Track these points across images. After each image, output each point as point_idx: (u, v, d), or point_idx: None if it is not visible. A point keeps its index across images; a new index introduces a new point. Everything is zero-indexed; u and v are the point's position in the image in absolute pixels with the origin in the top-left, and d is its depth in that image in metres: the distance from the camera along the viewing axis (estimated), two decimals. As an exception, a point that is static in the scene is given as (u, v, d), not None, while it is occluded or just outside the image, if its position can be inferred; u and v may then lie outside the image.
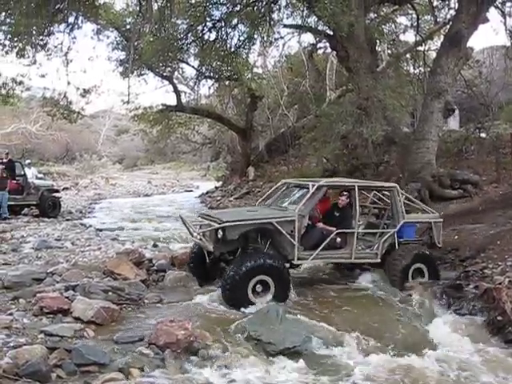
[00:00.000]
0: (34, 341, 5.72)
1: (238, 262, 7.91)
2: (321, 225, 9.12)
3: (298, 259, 8.55)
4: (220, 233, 8.07)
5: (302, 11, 18.70)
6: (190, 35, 18.80)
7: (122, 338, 6.08)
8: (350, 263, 9.38)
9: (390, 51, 22.96)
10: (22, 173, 18.69)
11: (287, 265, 8.44)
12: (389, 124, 15.16)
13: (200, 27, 18.15)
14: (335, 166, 19.15)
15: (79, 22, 17.28)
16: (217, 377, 5.48)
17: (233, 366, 5.69)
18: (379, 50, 21.57)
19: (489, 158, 16.91)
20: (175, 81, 24.91)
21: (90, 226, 16.32)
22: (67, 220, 18.06)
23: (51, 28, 17.03)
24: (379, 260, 9.14)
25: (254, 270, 7.79)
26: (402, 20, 22.85)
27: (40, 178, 21.77)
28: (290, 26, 20.34)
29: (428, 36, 20.95)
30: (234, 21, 18.03)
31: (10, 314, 6.62)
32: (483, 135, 18.81)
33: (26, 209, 18.65)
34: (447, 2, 19.24)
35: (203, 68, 21.44)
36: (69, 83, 19.60)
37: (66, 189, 30.76)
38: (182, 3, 17.96)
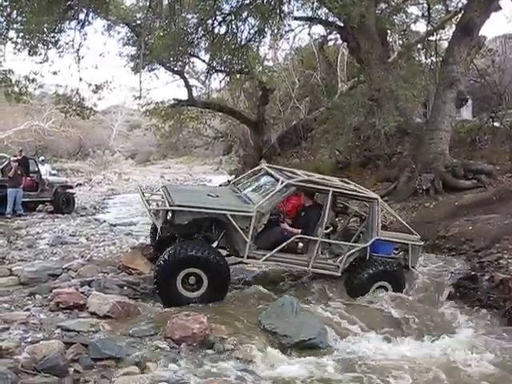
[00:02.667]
0: (51, 336, 5.77)
1: (170, 251, 7.42)
2: (284, 225, 8.50)
3: (249, 258, 7.96)
4: (169, 215, 7.73)
5: (313, 3, 18.58)
6: (200, 29, 18.75)
7: (138, 332, 6.11)
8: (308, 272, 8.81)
9: (401, 41, 22.79)
10: (36, 169, 18.85)
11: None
12: (401, 115, 15.08)
13: (210, 21, 18.08)
14: (348, 158, 19.09)
15: (90, 18, 17.33)
16: (233, 370, 5.49)
17: (248, 359, 5.72)
18: (390, 40, 21.41)
19: (502, 148, 16.74)
20: (186, 75, 24.89)
21: (104, 221, 16.44)
22: (81, 216, 18.20)
23: (62, 25, 17.09)
24: (339, 274, 8.40)
25: (185, 261, 7.33)
26: (413, 10, 22.68)
27: (54, 175, 21.94)
28: (301, 19, 20.23)
29: (439, 25, 20.74)
30: (244, 14, 17.95)
31: (27, 310, 6.67)
32: (497, 124, 18.61)
33: (40, 205, 18.83)
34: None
35: (214, 62, 21.37)
36: (81, 79, 19.64)
37: (80, 185, 30.96)
38: (191, -3, 17.95)
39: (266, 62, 25.01)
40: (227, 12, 17.98)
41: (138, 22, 20.74)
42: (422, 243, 9.19)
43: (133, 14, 21.18)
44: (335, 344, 6.48)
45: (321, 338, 6.36)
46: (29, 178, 17.96)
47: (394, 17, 21.06)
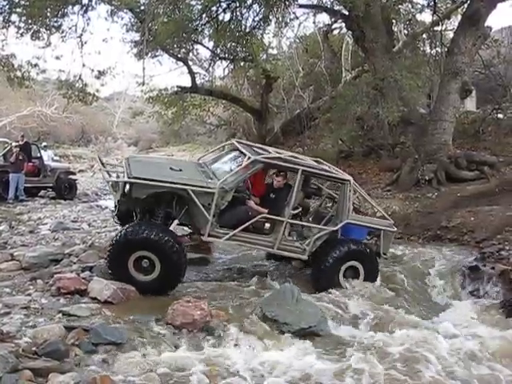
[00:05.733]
0: (53, 320, 5.79)
1: (122, 231, 7.11)
2: (251, 204, 8.14)
3: (210, 236, 7.64)
4: (127, 188, 7.38)
5: (318, -10, 18.51)
6: (204, 16, 18.62)
7: (139, 317, 6.13)
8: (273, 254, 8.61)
9: (406, 31, 22.65)
10: (39, 155, 18.83)
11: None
12: (405, 105, 15.02)
13: (214, 8, 17.96)
14: (351, 147, 19.05)
15: (93, 3, 17.34)
16: (233, 357, 5.52)
17: (249, 346, 5.74)
18: (395, 30, 21.28)
19: (506, 140, 16.72)
20: (190, 62, 24.75)
21: (106, 207, 16.43)
22: (83, 202, 18.22)
23: (65, 10, 17.04)
24: (306, 257, 8.18)
25: (136, 243, 6.98)
26: (419, -1, 22.51)
27: (56, 161, 21.94)
28: (306, 6, 20.09)
29: (445, 15, 20.58)
30: (249, 1, 17.84)
31: (29, 295, 6.70)
32: (500, 116, 18.56)
33: (42, 191, 18.85)
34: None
35: (218, 49, 21.31)
36: (84, 65, 19.65)
37: (82, 171, 30.97)
38: (196, -17, 17.85)
39: (270, 50, 24.90)
40: (232, -1, 17.87)
41: (142, 7, 20.59)
42: (395, 229, 8.94)
43: (137, 0, 21.03)
44: (336, 331, 6.50)
45: (321, 325, 6.40)
46: (31, 164, 17.95)
47: (400, 6, 20.86)
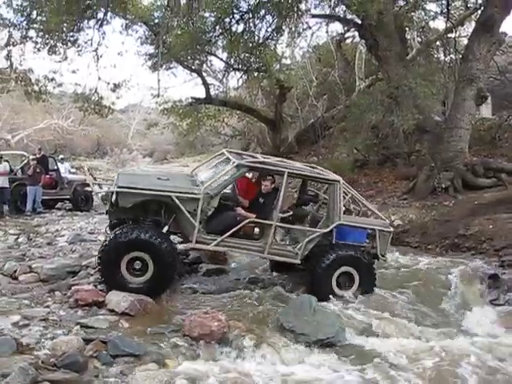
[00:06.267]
0: (71, 332, 5.82)
1: (114, 233, 7.19)
2: (239, 209, 8.10)
3: (198, 242, 7.55)
4: (113, 198, 7.32)
5: (330, 0, 18.53)
6: (217, 28, 18.78)
7: (157, 329, 6.15)
8: (264, 258, 8.47)
9: (419, 39, 22.61)
10: (56, 168, 18.98)
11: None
12: (420, 113, 14.96)
13: (228, 19, 18.12)
14: (366, 156, 19.00)
15: (108, 17, 17.51)
16: (251, 368, 5.50)
17: (266, 357, 5.72)
18: (409, 37, 21.24)
19: (523, 146, 16.59)
20: (204, 74, 24.95)
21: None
22: (100, 214, 18.26)
23: (81, 24, 17.27)
24: (298, 261, 7.97)
25: (129, 244, 7.03)
26: (432, 6, 22.42)
27: (72, 173, 22.10)
28: (319, 16, 20.15)
29: (459, 22, 20.52)
30: (262, 12, 17.94)
31: (47, 307, 6.74)
32: (517, 122, 18.43)
33: (59, 203, 18.97)
34: (478, -13, 18.86)
35: (232, 60, 21.44)
36: (99, 78, 19.85)
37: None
38: (209, -4, 17.98)
39: (283, 60, 24.97)
40: (245, 10, 18.02)
41: (156, 20, 20.81)
42: (392, 229, 8.62)
43: (151, 13, 21.24)
44: (354, 341, 6.45)
45: (339, 336, 6.34)
46: (48, 176, 18.08)
47: (413, 14, 20.84)
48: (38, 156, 18.01)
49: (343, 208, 8.24)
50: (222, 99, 25.07)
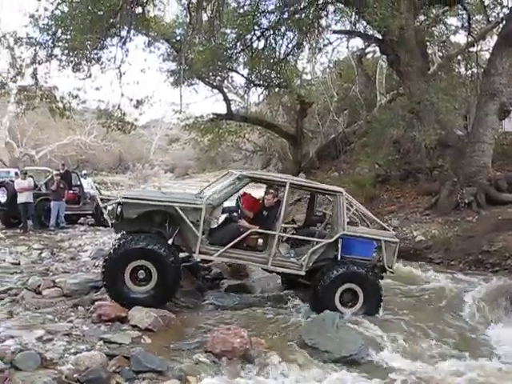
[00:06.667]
0: (94, 348, 5.83)
1: (118, 242, 7.35)
2: (242, 221, 8.18)
3: (201, 253, 7.68)
4: (118, 209, 7.57)
5: (351, 16, 18.61)
6: (239, 44, 18.93)
7: (179, 345, 6.16)
8: (268, 270, 8.36)
9: (440, 53, 22.55)
10: (79, 183, 19.19)
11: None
12: (442, 127, 14.87)
13: (249, 36, 18.27)
14: (387, 171, 18.91)
15: (131, 35, 17.72)
16: (273, 385, 5.48)
17: (289, 375, 5.68)
18: (430, 52, 21.21)
19: (548, 161, 16.37)
20: (225, 89, 25.12)
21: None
22: (122, 229, 18.40)
23: (105, 42, 17.52)
24: (303, 273, 7.91)
25: (133, 252, 7.20)
26: (453, 21, 22.41)
27: (96, 188, 22.33)
28: (339, 32, 20.24)
29: (480, 36, 20.44)
30: (283, 28, 18.07)
31: (70, 322, 6.79)
32: (541, 136, 18.23)
33: (82, 218, 19.15)
34: (500, 1, 18.77)
35: (253, 76, 21.57)
36: (122, 95, 20.08)
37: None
38: (230, 13, 18.15)
39: (304, 76, 25.06)
40: (266, 27, 18.14)
41: (178, 37, 21.04)
42: (398, 240, 8.41)
43: (172, 30, 21.51)
44: (377, 359, 6.38)
45: (362, 353, 6.27)
46: (71, 192, 18.29)
47: (434, 28, 20.89)
48: (61, 171, 18.24)
49: (347, 219, 8.15)
50: (243, 115, 25.19)
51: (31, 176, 17.36)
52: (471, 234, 12.45)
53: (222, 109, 24.41)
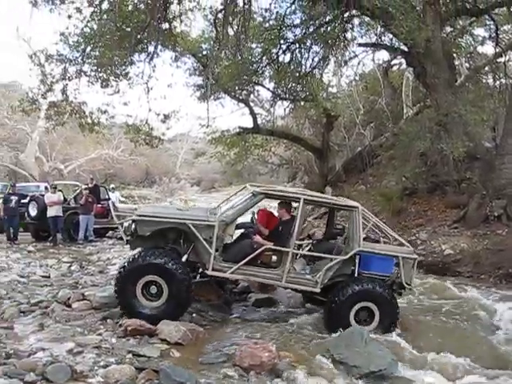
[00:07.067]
0: (123, 361, 5.89)
1: (130, 258, 7.49)
2: (257, 237, 8.11)
3: (214, 270, 7.64)
4: (133, 227, 7.72)
5: (377, 29, 18.60)
6: (264, 58, 19.04)
7: (207, 359, 6.18)
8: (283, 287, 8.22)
9: (468, 64, 22.37)
10: (107, 197, 19.40)
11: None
12: (470, 140, 14.71)
13: (274, 50, 18.36)
14: (415, 184, 18.75)
15: (158, 50, 17.96)
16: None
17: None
18: (457, 63, 21.03)
19: None
20: (251, 103, 25.21)
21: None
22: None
23: (132, 58, 17.78)
24: (318, 290, 7.75)
25: (144, 267, 7.29)
26: (480, 31, 22.21)
27: (122, 202, 22.56)
28: (365, 45, 20.23)
29: (508, 46, 20.22)
30: (308, 42, 18.13)
31: (100, 334, 6.87)
32: None
33: (110, 232, 19.35)
34: (528, 10, 18.57)
35: (278, 90, 21.65)
36: (150, 110, 20.30)
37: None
38: (256, 27, 18.27)
39: (330, 89, 25.05)
40: (291, 41, 18.22)
41: (204, 52, 21.24)
42: (416, 256, 8.16)
43: (199, 45, 21.72)
44: (406, 375, 6.29)
45: (391, 368, 6.19)
46: (99, 206, 18.51)
47: (460, 39, 20.72)
48: (90, 186, 18.48)
49: (363, 235, 7.99)
50: (269, 128, 25.22)
51: (60, 190, 17.63)
52: (501, 247, 12.27)
53: (248, 122, 24.51)
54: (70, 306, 8.26)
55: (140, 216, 7.69)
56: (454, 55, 19.80)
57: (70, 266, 12.50)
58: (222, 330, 7.58)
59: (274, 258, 7.93)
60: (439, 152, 15.69)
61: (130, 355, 6.08)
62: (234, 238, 8.44)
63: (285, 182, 35.51)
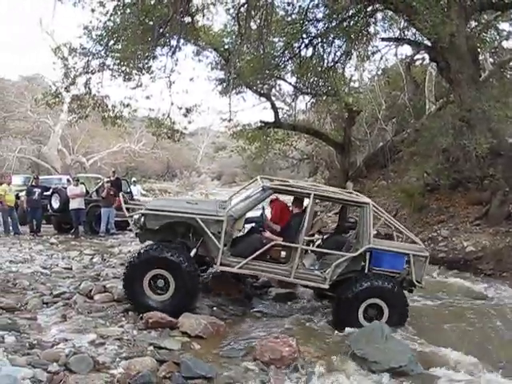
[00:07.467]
0: (144, 353, 5.95)
1: (138, 251, 7.56)
2: (266, 233, 8.19)
3: (222, 265, 7.64)
4: (142, 220, 7.77)
5: (400, 23, 18.43)
6: (286, 52, 18.96)
7: (228, 352, 6.23)
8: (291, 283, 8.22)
9: (492, 60, 22.07)
10: (128, 190, 19.51)
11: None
12: (494, 136, 14.53)
13: (297, 44, 18.28)
14: (437, 180, 18.59)
15: (180, 44, 17.98)
16: (321, 395, 5.47)
17: (338, 385, 5.66)
18: (481, 58, 20.76)
19: None
20: (273, 98, 25.14)
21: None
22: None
23: (155, 52, 17.83)
24: (327, 286, 7.67)
25: (151, 261, 7.34)
26: (505, 26, 21.87)
27: (144, 195, 22.69)
28: (388, 40, 20.02)
29: (534, 42, 19.99)
30: (331, 36, 18.03)
31: (121, 326, 6.94)
32: None
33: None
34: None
35: (300, 84, 21.56)
36: (172, 103, 20.35)
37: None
38: (278, 21, 18.21)
39: (352, 84, 24.86)
40: (314, 35, 18.12)
41: (226, 46, 21.21)
42: (427, 254, 8.04)
43: (221, 39, 21.70)
44: (427, 371, 6.26)
45: (412, 365, 6.17)
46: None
47: (485, 34, 20.44)
48: (112, 179, 18.60)
49: (374, 232, 7.95)
50: (290, 123, 25.16)
51: (83, 183, 17.78)
52: (524, 245, 12.14)
53: (269, 117, 24.44)
54: (91, 297, 8.32)
55: (149, 210, 7.76)
56: (479, 50, 19.56)
57: (92, 258, 12.60)
58: (242, 323, 7.61)
59: (283, 253, 7.96)
60: (462, 148, 15.51)
61: (152, 347, 6.14)
62: (245, 231, 8.49)
63: (306, 177, 35.43)
